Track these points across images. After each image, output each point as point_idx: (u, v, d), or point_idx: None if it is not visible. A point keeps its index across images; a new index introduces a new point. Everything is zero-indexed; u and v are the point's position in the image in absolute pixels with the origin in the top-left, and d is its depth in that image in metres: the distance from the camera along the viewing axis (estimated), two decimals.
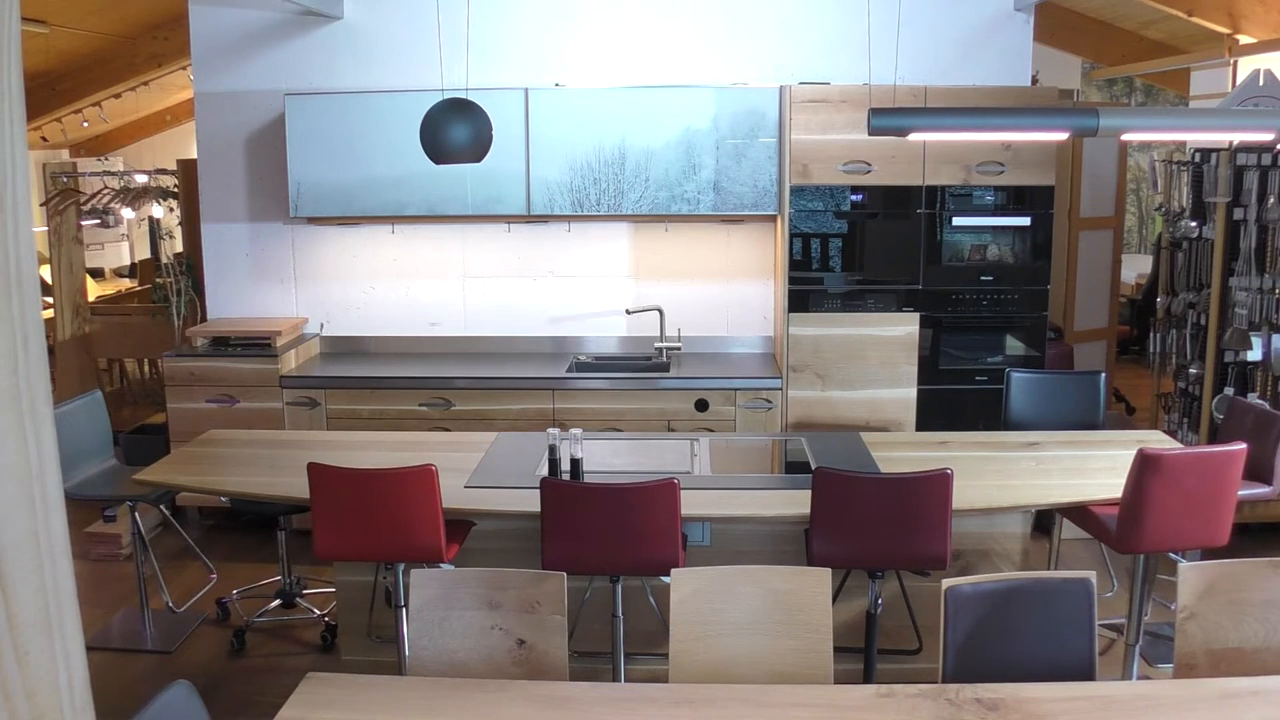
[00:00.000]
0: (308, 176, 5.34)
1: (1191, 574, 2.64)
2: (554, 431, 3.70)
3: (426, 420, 5.19)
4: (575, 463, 3.64)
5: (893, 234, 5.09)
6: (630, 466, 4.03)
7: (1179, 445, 4.16)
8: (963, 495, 3.47)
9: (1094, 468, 3.84)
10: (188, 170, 6.61)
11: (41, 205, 6.97)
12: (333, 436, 4.41)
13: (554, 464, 3.68)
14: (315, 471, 3.37)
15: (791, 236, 5.10)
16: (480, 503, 3.54)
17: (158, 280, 6.47)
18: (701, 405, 5.14)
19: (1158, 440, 4.20)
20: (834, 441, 4.20)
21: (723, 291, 5.74)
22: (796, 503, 3.46)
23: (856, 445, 4.13)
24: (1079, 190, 6.66)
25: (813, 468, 3.86)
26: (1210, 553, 3.46)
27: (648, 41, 5.54)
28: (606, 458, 4.10)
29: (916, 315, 5.14)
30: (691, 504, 3.46)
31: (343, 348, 5.88)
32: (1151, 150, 8.48)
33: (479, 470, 3.85)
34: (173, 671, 4.11)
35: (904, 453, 4.03)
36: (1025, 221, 5.08)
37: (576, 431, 3.68)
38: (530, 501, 3.39)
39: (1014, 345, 5.18)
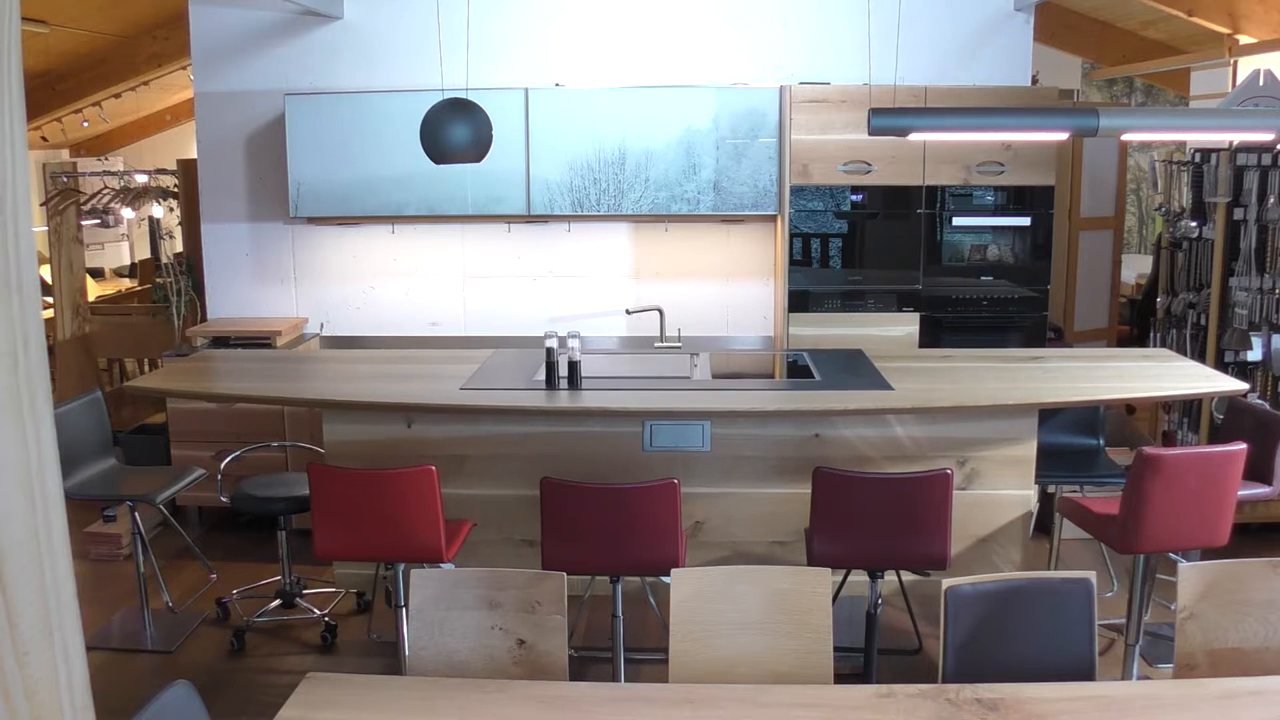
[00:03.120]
0: (308, 176, 5.34)
1: (1191, 574, 2.63)
2: (552, 332, 3.71)
3: None
4: (573, 366, 3.63)
5: (893, 234, 5.09)
6: (629, 373, 4.01)
7: (1185, 359, 4.17)
8: (970, 395, 3.45)
9: (1099, 375, 3.86)
10: (188, 170, 6.60)
11: (41, 205, 6.97)
12: (328, 354, 4.40)
13: (551, 367, 3.66)
14: (316, 472, 3.37)
15: (791, 236, 5.10)
16: (476, 401, 3.53)
17: (158, 280, 6.47)
18: None
19: (1165, 357, 4.22)
20: (839, 357, 4.18)
21: (723, 291, 5.74)
22: (796, 401, 3.43)
23: (861, 360, 4.12)
24: (1079, 190, 6.66)
25: (816, 377, 3.84)
26: (1210, 553, 3.46)
27: (648, 41, 5.54)
28: (605, 367, 4.09)
29: (916, 315, 5.14)
30: (691, 402, 3.44)
31: (343, 347, 5.87)
32: (1151, 150, 8.47)
33: (475, 376, 3.85)
34: (173, 671, 4.11)
35: (908, 364, 4.03)
36: (1025, 221, 5.08)
37: (574, 341, 3.68)
38: (527, 400, 3.37)
39: (1014, 345, 5.17)
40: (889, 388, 3.66)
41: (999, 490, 3.94)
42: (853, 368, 3.93)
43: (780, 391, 3.62)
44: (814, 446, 3.77)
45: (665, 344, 5.63)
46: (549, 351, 3.64)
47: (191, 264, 6.32)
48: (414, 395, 3.66)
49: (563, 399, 3.55)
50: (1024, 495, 3.98)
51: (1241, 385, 3.50)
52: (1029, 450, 3.93)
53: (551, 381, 3.74)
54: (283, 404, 3.70)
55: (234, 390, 3.76)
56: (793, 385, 3.72)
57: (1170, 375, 3.89)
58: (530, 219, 5.56)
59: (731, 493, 3.82)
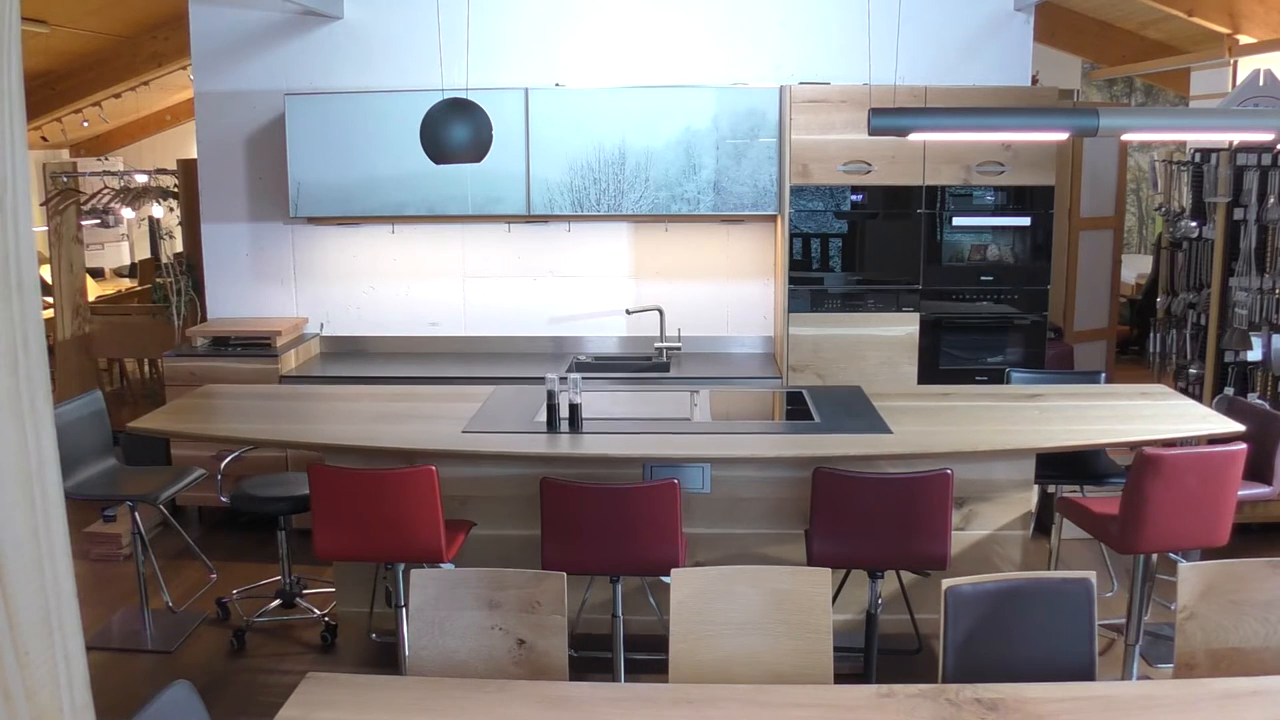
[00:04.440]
0: (308, 176, 5.34)
1: (1191, 574, 2.63)
2: (552, 377, 3.71)
3: None
4: (574, 408, 3.63)
5: (893, 234, 5.09)
6: (630, 414, 4.01)
7: (1182, 397, 4.17)
8: (966, 439, 3.46)
9: (1095, 415, 3.86)
10: (188, 170, 6.61)
11: (41, 205, 6.97)
12: (329, 390, 4.40)
13: (552, 409, 3.66)
14: (315, 472, 3.37)
15: (791, 236, 5.10)
16: (478, 445, 3.53)
17: (158, 280, 6.47)
18: None
19: (1161, 393, 4.22)
20: (837, 393, 4.18)
21: (723, 291, 5.74)
22: (796, 446, 3.45)
23: (859, 397, 4.12)
24: (1079, 190, 6.66)
25: (815, 419, 3.85)
26: (1210, 553, 3.46)
27: (648, 41, 5.54)
28: (606, 406, 4.09)
29: (916, 315, 5.14)
30: (691, 447, 3.45)
31: (343, 348, 5.88)
32: (1151, 150, 8.47)
33: (477, 417, 3.84)
34: (173, 671, 4.11)
35: (906, 403, 4.03)
36: (1025, 221, 5.08)
37: (575, 377, 3.68)
38: (529, 445, 3.38)
39: (1014, 345, 5.18)
40: (888, 431, 3.67)
41: (996, 531, 3.96)
42: (852, 407, 3.93)
43: (779, 435, 3.63)
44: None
45: (665, 344, 5.64)
46: (550, 395, 3.65)
47: (191, 264, 6.32)
48: (415, 439, 3.66)
49: (564, 443, 3.57)
50: (1020, 535, 3.99)
51: (1238, 427, 3.51)
52: (1026, 492, 3.97)
53: (553, 423, 3.74)
54: (284, 447, 3.72)
55: (235, 432, 3.77)
56: (791, 428, 3.73)
57: (1167, 415, 3.90)
58: (530, 219, 5.56)
59: (732, 533, 3.83)
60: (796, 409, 4.06)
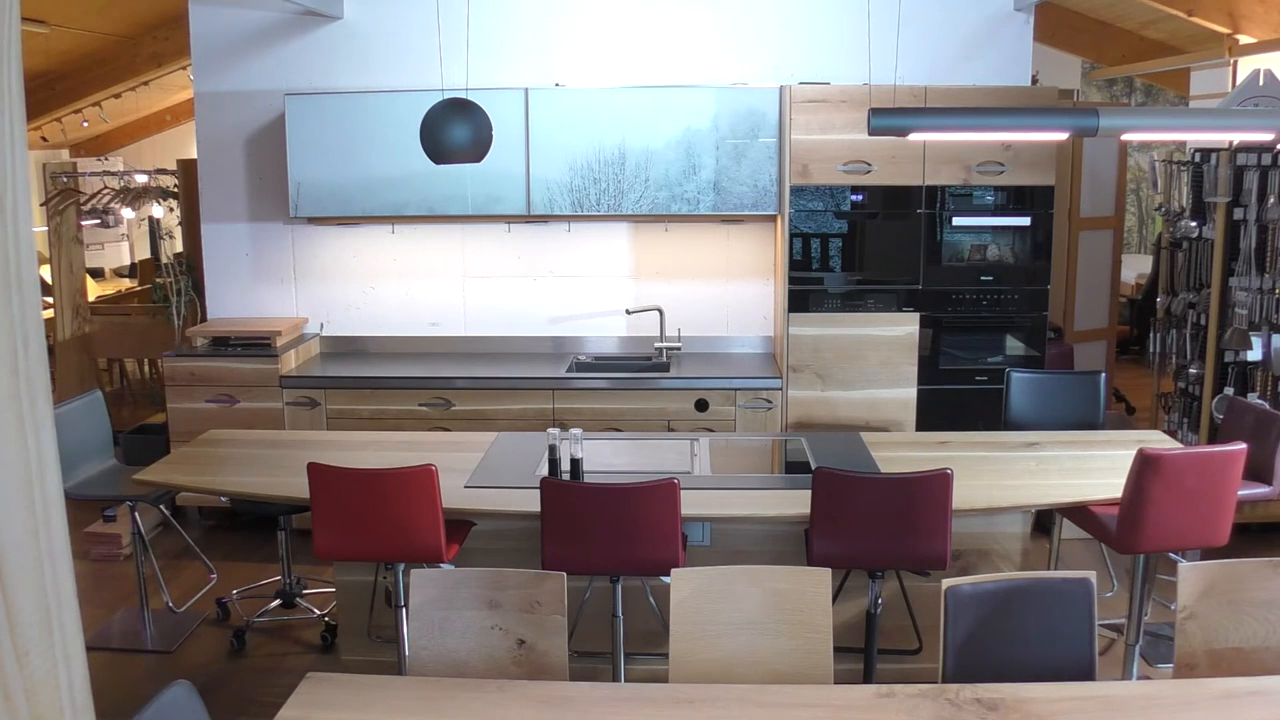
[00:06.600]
0: (308, 176, 5.34)
1: (1191, 574, 2.64)
2: (554, 431, 3.70)
3: (426, 420, 5.19)
4: (575, 463, 3.64)
5: (893, 234, 5.09)
6: (630, 466, 4.03)
7: (1179, 445, 4.16)
8: (963, 495, 3.46)
9: (1093, 468, 3.84)
10: (188, 170, 6.61)
11: (41, 205, 6.97)
12: (333, 436, 4.41)
13: (554, 464, 3.67)
14: (315, 471, 3.37)
15: (791, 236, 5.10)
16: (480, 503, 3.55)
17: (158, 280, 6.48)
18: (701, 405, 5.14)
19: (1157, 440, 4.20)
20: (834, 442, 4.20)
21: (723, 291, 5.74)
22: (796, 503, 3.46)
23: (856, 445, 4.13)
24: (1079, 190, 6.66)
25: (813, 468, 3.86)
26: (1210, 553, 3.46)
27: (648, 41, 5.54)
28: (607, 457, 4.10)
29: (916, 315, 5.14)
30: (691, 504, 3.46)
31: (343, 348, 5.88)
32: (1151, 150, 8.48)
33: (479, 470, 3.85)
34: (173, 671, 4.11)
35: (904, 452, 4.03)
36: (1025, 221, 5.08)
37: (576, 431, 3.68)
38: (530, 501, 3.40)
39: (1014, 345, 5.18)
40: None
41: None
42: (850, 459, 3.93)
43: (778, 491, 3.64)
44: None
45: (665, 344, 5.64)
46: (551, 449, 3.66)
47: (191, 264, 6.33)
48: None
49: None
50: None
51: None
52: (1021, 544, 3.96)
53: (554, 477, 3.75)
54: (288, 501, 3.72)
55: (240, 486, 3.75)
56: (790, 483, 3.73)
57: None
58: (530, 219, 5.56)
59: None
60: (795, 461, 4.06)
